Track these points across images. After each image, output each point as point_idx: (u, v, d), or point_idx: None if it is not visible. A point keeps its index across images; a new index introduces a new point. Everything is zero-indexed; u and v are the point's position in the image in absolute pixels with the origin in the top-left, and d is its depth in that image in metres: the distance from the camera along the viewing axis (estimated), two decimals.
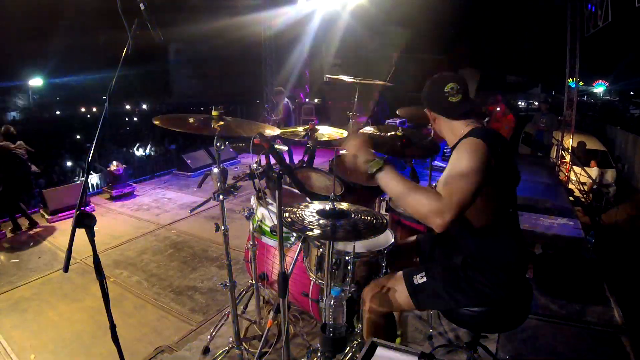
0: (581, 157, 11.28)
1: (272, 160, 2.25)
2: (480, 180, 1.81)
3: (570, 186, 10.40)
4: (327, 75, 4.33)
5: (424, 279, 2.13)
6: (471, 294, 2.05)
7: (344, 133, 3.71)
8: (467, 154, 1.87)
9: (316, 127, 3.64)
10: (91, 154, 1.86)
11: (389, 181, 1.91)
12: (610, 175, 12.34)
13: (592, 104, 32.09)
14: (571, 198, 8.90)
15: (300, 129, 3.69)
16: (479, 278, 2.03)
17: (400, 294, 2.17)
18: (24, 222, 6.18)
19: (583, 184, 10.40)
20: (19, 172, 6.12)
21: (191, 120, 2.65)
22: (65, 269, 1.76)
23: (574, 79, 10.47)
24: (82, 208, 1.77)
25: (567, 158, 10.87)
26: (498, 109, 9.48)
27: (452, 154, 2.00)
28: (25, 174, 6.26)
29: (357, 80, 3.77)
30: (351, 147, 2.03)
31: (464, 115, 2.11)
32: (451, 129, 2.15)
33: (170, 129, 2.49)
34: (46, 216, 6.47)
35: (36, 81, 27.55)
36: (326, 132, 3.68)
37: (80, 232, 1.75)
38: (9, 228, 6.07)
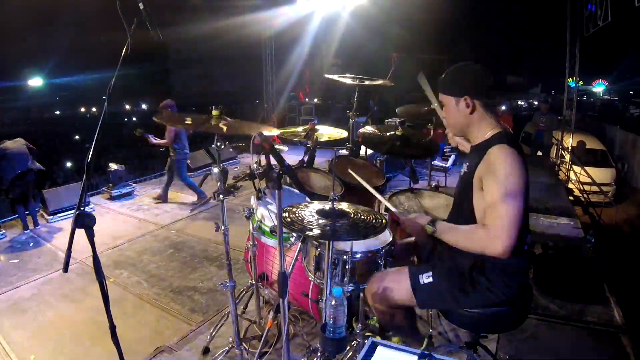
0: (581, 156, 11.27)
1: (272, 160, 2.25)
2: (525, 198, 1.84)
3: (570, 185, 10.40)
4: (326, 75, 4.33)
5: (430, 279, 2.11)
6: (475, 296, 2.04)
7: (344, 133, 3.72)
8: (509, 170, 1.84)
9: (316, 127, 3.64)
10: (90, 153, 1.86)
11: (442, 235, 2.03)
12: (610, 174, 12.33)
13: (591, 104, 32.08)
14: (571, 198, 8.89)
15: (300, 129, 3.70)
16: (485, 282, 2.02)
17: (403, 290, 2.16)
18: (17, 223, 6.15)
19: (583, 183, 10.39)
20: (18, 170, 5.95)
21: (188, 121, 2.65)
22: (65, 269, 1.76)
23: (574, 78, 10.47)
24: (82, 208, 1.77)
25: (567, 158, 10.86)
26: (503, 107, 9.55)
27: (481, 161, 1.93)
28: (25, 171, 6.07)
29: (356, 80, 3.78)
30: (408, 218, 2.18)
31: (495, 111, 2.08)
32: (479, 126, 2.05)
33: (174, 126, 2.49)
34: (46, 216, 6.47)
35: (36, 81, 27.53)
36: (326, 132, 3.68)
37: (80, 233, 1.75)
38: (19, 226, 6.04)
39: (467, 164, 2.11)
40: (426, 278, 2.13)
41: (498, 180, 1.84)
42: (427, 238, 2.12)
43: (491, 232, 1.81)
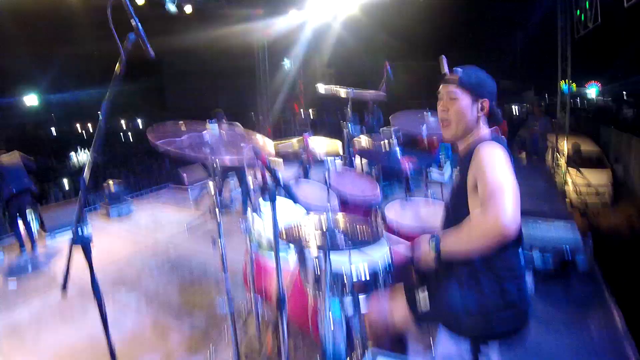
0: (576, 159, 11.31)
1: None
2: (514, 181, 1.82)
3: (566, 188, 10.42)
4: (319, 86, 4.32)
5: (426, 292, 2.11)
6: (472, 307, 2.03)
7: (338, 144, 3.71)
8: (492, 159, 1.86)
9: (310, 139, 3.64)
10: (86, 171, 1.86)
11: (445, 249, 1.95)
12: (606, 176, 12.37)
13: (585, 106, 32.29)
14: (568, 200, 8.91)
15: (294, 140, 3.69)
16: (481, 292, 2.01)
17: (400, 308, 2.16)
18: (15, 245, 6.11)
19: (579, 186, 10.42)
20: (13, 189, 5.87)
21: (182, 128, 2.64)
22: (63, 288, 1.75)
23: (566, 81, 10.53)
24: (79, 226, 1.76)
25: (562, 161, 10.90)
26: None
27: (470, 165, 1.94)
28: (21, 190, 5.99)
29: (349, 89, 3.78)
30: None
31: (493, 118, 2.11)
32: (477, 130, 2.08)
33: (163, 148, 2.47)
34: (43, 235, 6.43)
35: (31, 98, 27.50)
36: (321, 143, 3.68)
37: (78, 251, 1.74)
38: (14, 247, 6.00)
39: (458, 168, 2.12)
40: (421, 292, 2.12)
41: (487, 173, 1.83)
42: (434, 260, 2.01)
43: (487, 211, 1.74)
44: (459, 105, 2.07)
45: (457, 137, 2.14)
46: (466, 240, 1.86)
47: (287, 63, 13.44)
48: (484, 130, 2.08)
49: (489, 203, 1.75)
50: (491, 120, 2.10)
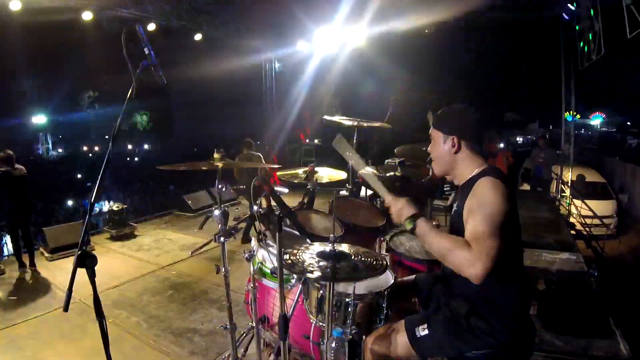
0: (581, 190, 11.29)
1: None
2: (507, 225, 1.83)
3: (572, 220, 10.37)
4: (325, 117, 4.37)
5: (426, 331, 2.10)
6: (474, 341, 2.02)
7: (343, 175, 3.74)
8: (491, 197, 1.87)
9: (316, 169, 3.67)
10: (94, 193, 1.89)
11: (423, 237, 1.97)
12: (611, 206, 12.32)
13: (590, 137, 32.36)
14: (573, 232, 8.86)
15: (300, 170, 3.73)
16: (483, 326, 2.00)
17: (402, 343, 2.15)
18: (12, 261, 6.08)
19: (584, 217, 10.36)
20: (20, 198, 5.89)
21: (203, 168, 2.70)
22: (66, 308, 1.76)
23: (571, 112, 10.59)
24: (84, 248, 1.78)
25: (567, 192, 10.87)
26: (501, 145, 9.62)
27: (468, 196, 1.97)
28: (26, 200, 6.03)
29: (355, 122, 3.83)
30: (395, 205, 2.09)
31: (483, 153, 2.13)
32: (467, 165, 2.11)
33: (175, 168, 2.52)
34: (46, 254, 6.45)
35: (39, 119, 27.84)
36: (326, 173, 3.71)
37: (80, 272, 1.76)
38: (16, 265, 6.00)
39: (457, 202, 2.14)
40: (422, 330, 2.11)
41: (480, 207, 1.87)
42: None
43: (473, 255, 1.78)
44: (434, 144, 2.20)
45: (441, 173, 2.25)
46: (445, 255, 1.89)
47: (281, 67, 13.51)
48: (480, 166, 2.09)
49: (474, 246, 1.80)
50: (478, 154, 2.13)
